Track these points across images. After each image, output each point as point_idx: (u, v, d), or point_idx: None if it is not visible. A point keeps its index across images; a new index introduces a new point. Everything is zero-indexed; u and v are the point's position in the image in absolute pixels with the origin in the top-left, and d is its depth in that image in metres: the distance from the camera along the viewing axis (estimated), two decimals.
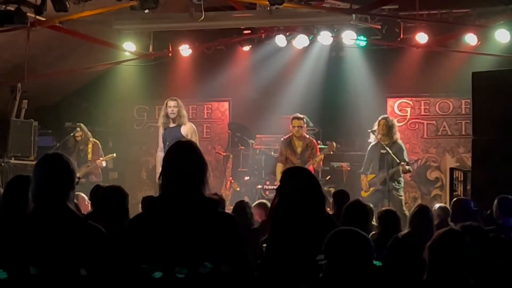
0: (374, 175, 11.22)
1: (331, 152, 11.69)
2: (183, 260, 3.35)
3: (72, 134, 12.21)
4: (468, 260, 3.84)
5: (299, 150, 11.43)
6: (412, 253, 4.01)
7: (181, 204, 3.46)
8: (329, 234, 3.72)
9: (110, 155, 12.38)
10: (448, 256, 3.83)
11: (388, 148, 10.96)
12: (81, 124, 12.32)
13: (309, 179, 4.80)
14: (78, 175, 3.69)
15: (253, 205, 7.97)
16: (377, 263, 3.67)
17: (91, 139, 12.28)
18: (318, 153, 11.40)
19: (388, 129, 11.17)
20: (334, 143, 11.50)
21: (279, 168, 11.44)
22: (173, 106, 10.92)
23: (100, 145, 12.38)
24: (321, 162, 11.52)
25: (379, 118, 11.41)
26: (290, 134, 11.56)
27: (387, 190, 10.72)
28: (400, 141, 11.36)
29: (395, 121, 11.61)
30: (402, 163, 10.75)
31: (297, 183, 4.72)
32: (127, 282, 3.35)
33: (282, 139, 11.91)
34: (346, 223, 5.83)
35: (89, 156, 12.06)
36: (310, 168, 11.22)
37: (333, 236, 3.70)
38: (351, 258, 3.58)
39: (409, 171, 11.14)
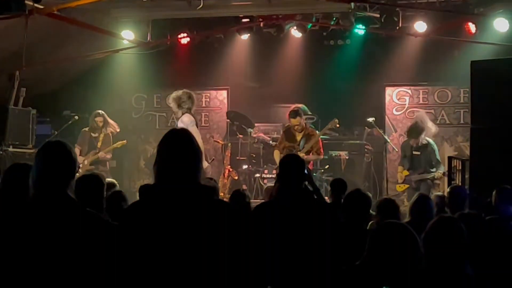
0: (408, 173, 11.56)
1: (334, 127, 11.66)
2: (179, 248, 3.36)
3: (90, 121, 12.37)
4: (462, 245, 3.84)
5: (298, 138, 11.41)
6: None
7: (176, 192, 3.47)
8: (377, 227, 3.75)
9: (120, 142, 12.48)
10: (441, 242, 3.84)
11: (419, 151, 11.45)
12: (103, 112, 12.43)
13: (302, 167, 5.03)
14: (80, 163, 3.69)
15: (265, 188, 8.07)
16: None
17: (108, 128, 12.38)
18: (320, 143, 11.37)
19: (413, 133, 11.51)
20: (336, 119, 11.50)
21: (276, 154, 11.49)
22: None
23: (111, 138, 12.45)
24: (321, 147, 11.44)
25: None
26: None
27: (424, 189, 11.10)
28: (429, 141, 11.61)
29: (424, 123, 11.67)
30: (440, 171, 11.30)
31: (293, 170, 4.98)
32: (125, 270, 3.35)
33: (283, 129, 11.98)
34: (347, 212, 5.86)
35: (99, 144, 12.18)
36: (311, 156, 11.20)
37: (380, 230, 3.72)
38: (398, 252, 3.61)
39: (441, 176, 11.56)
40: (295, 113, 11.32)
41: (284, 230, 4.76)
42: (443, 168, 11.35)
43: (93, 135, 12.33)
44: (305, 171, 5.14)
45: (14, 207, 3.43)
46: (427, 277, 3.81)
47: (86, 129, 12.43)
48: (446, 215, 4.87)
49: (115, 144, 12.41)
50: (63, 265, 3.25)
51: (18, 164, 4.27)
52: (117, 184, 7.73)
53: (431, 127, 11.65)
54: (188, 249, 3.36)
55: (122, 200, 6.24)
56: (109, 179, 7.88)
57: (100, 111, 12.45)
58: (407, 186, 11.43)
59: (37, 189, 3.39)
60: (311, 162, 11.34)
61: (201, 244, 3.37)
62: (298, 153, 10.92)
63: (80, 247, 3.28)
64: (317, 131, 11.55)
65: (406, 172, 11.59)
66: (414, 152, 11.50)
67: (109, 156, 12.37)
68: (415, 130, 11.48)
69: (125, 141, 12.63)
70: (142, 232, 3.39)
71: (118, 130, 12.56)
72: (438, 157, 11.55)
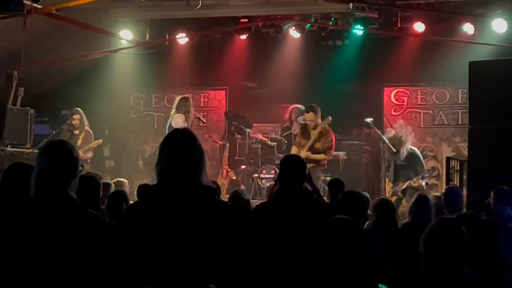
0: (392, 185, 11.49)
1: (326, 126, 11.56)
2: (179, 248, 3.36)
3: (69, 119, 12.26)
4: (462, 247, 3.85)
5: (312, 135, 11.24)
6: (412, 242, 4.03)
7: (178, 192, 3.46)
8: (327, 223, 3.76)
9: (96, 141, 12.35)
10: (441, 244, 3.85)
11: (405, 162, 11.24)
12: (80, 110, 12.32)
13: (303, 168, 5.04)
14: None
15: (267, 187, 8.08)
16: (382, 287, 3.72)
17: (86, 127, 12.29)
18: (334, 142, 11.25)
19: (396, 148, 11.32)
20: (330, 117, 11.41)
21: (293, 150, 11.29)
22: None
23: (92, 136, 12.35)
24: (333, 147, 11.30)
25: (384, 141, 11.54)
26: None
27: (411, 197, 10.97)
28: (415, 150, 11.48)
29: (403, 135, 11.45)
30: (415, 179, 11.00)
31: (293, 171, 4.99)
32: (126, 271, 3.35)
33: (300, 126, 11.85)
34: (342, 212, 5.86)
35: (79, 142, 12.01)
36: (317, 155, 11.05)
37: (329, 225, 3.74)
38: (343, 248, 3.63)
39: (422, 185, 11.29)
40: (309, 108, 11.24)
41: (284, 231, 4.76)
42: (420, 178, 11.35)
43: (74, 132, 12.17)
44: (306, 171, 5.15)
45: (14, 207, 3.43)
46: (427, 278, 3.82)
47: (66, 126, 12.31)
48: (446, 216, 4.87)
49: (91, 143, 12.26)
50: (64, 266, 3.24)
51: (17, 164, 4.26)
52: (113, 185, 7.73)
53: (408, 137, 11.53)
54: (189, 249, 3.36)
55: (124, 200, 6.25)
56: (119, 179, 7.95)
57: (77, 108, 12.31)
58: (394, 198, 11.33)
59: (39, 189, 3.38)
60: (326, 161, 11.23)
61: (201, 244, 3.37)
62: (302, 151, 10.88)
63: (80, 247, 3.26)
64: (332, 131, 11.39)
65: (390, 184, 11.57)
66: (399, 163, 11.34)
67: (89, 155, 12.19)
68: (397, 142, 11.36)
69: (100, 141, 12.51)
70: (143, 232, 3.38)
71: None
72: (424, 165, 11.50)
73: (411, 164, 11.28)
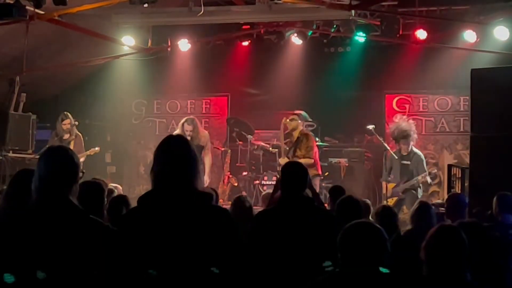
0: (394, 184, 11.50)
1: (304, 130, 11.52)
2: (176, 253, 3.36)
3: (58, 125, 12.01)
4: (463, 254, 3.84)
5: (294, 139, 11.32)
6: (414, 250, 4.03)
7: (173, 198, 3.46)
8: (344, 228, 3.73)
9: (93, 149, 12.20)
10: (442, 251, 3.85)
11: (408, 161, 11.37)
12: (69, 114, 12.00)
13: (304, 174, 5.05)
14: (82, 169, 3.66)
15: (262, 195, 8.10)
16: (384, 270, 3.68)
17: (76, 131, 12.04)
18: (314, 143, 11.25)
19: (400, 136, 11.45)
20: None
21: (282, 161, 11.38)
22: (190, 131, 11.03)
23: (82, 140, 12.16)
24: (313, 147, 11.30)
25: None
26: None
27: (409, 198, 11.14)
28: (418, 151, 11.59)
29: (407, 127, 11.62)
30: (422, 175, 11.19)
31: (294, 177, 5.00)
32: (125, 277, 3.35)
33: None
34: (339, 218, 5.85)
35: (70, 147, 11.80)
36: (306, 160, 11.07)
37: (349, 230, 3.70)
38: (366, 252, 3.60)
39: (427, 182, 11.49)
40: (291, 119, 11.31)
41: (286, 238, 4.76)
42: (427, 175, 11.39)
43: (64, 138, 11.84)
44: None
45: (16, 212, 3.43)
46: (429, 284, 3.82)
47: (54, 132, 12.06)
48: (447, 223, 4.87)
49: (87, 151, 12.06)
50: (63, 270, 3.24)
51: (24, 170, 4.25)
52: (115, 190, 7.71)
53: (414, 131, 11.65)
54: (186, 255, 3.36)
55: (124, 204, 6.24)
56: (111, 184, 7.91)
57: (66, 113, 11.99)
58: (395, 198, 11.36)
59: (39, 195, 3.38)
60: (318, 166, 11.25)
61: (199, 250, 3.37)
62: (283, 158, 10.94)
63: (80, 252, 3.26)
64: (311, 135, 11.44)
65: (392, 185, 11.56)
66: (404, 162, 11.43)
67: (82, 159, 11.95)
68: (401, 132, 11.46)
69: (97, 149, 12.26)
70: (139, 237, 3.39)
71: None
72: (425, 167, 11.54)
73: (414, 164, 11.35)
